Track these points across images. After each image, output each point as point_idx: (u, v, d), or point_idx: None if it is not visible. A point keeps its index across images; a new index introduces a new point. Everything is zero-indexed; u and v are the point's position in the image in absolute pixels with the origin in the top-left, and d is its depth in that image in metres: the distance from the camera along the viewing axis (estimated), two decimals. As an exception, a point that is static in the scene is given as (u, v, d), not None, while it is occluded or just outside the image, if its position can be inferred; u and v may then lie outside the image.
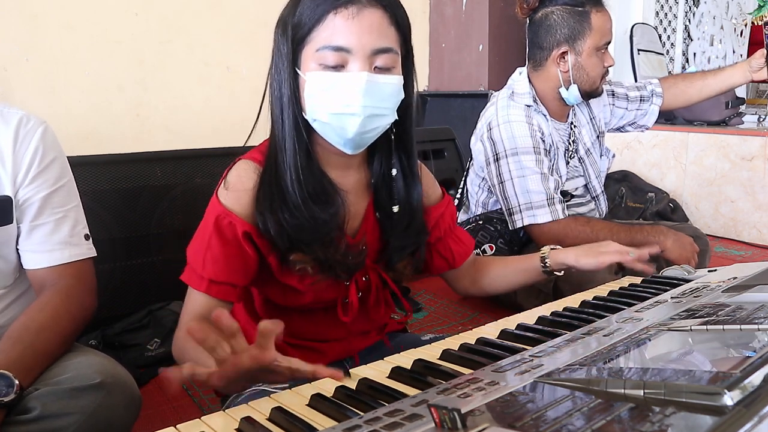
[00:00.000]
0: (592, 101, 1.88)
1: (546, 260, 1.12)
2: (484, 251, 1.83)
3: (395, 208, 0.97)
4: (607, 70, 1.74)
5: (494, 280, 1.18)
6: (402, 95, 0.90)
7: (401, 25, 0.88)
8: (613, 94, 1.95)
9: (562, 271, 1.13)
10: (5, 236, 0.99)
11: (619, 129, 2.02)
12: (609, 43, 1.71)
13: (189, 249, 0.92)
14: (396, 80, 0.87)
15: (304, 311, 1.01)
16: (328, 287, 0.96)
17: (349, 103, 0.84)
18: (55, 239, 1.02)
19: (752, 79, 1.79)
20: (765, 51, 1.72)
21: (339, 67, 0.84)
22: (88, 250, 1.07)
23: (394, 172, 0.97)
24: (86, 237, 1.08)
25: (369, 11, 0.83)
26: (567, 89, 1.73)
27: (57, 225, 1.03)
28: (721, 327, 0.68)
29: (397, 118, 0.91)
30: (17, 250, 1.02)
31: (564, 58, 1.70)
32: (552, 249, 1.13)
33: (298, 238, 0.89)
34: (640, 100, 1.94)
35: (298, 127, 0.89)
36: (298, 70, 0.87)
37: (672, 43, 4.24)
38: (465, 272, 1.18)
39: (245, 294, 1.04)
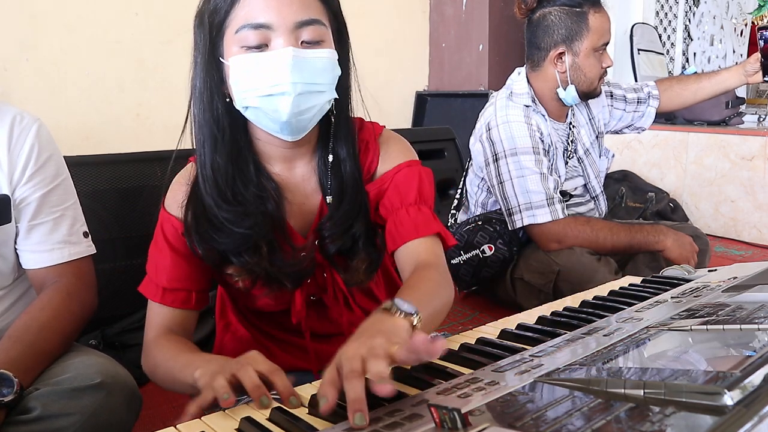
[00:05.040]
0: (591, 102, 1.88)
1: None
2: (483, 251, 1.83)
3: (328, 199, 0.91)
4: (605, 71, 1.74)
5: None
6: (338, 71, 0.85)
7: None
8: (612, 96, 1.95)
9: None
10: (4, 236, 0.99)
11: (617, 132, 2.03)
12: (607, 43, 1.71)
13: (148, 259, 0.91)
14: (327, 53, 0.82)
15: (270, 313, 0.98)
16: (275, 292, 0.91)
17: (277, 82, 0.79)
18: (54, 238, 1.02)
19: (747, 82, 1.80)
20: (759, 55, 1.73)
21: (263, 46, 0.79)
22: (88, 248, 1.07)
23: (330, 158, 0.90)
24: (85, 234, 1.07)
25: None
26: (564, 90, 1.73)
27: (55, 224, 1.02)
28: (721, 327, 0.68)
29: (336, 96, 0.86)
30: (15, 249, 1.02)
31: (561, 58, 1.70)
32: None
33: (225, 251, 0.86)
34: (638, 101, 1.95)
35: (218, 122, 0.84)
36: (221, 60, 0.83)
37: (672, 43, 4.24)
38: (400, 267, 0.93)
39: (230, 291, 1.01)
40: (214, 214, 0.85)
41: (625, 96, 1.95)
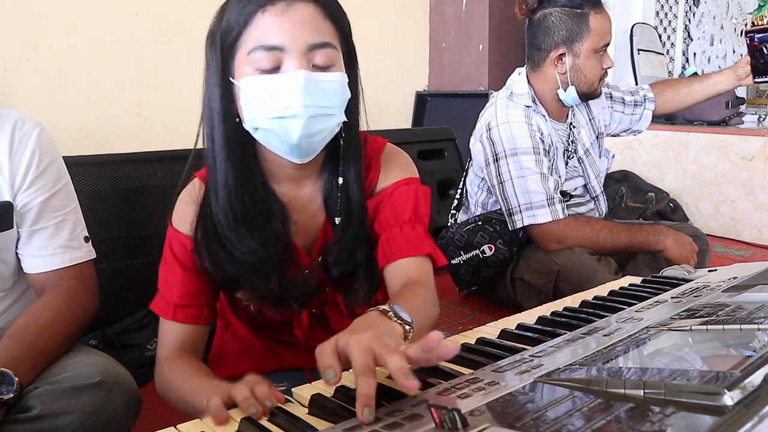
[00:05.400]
0: (591, 102, 1.88)
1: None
2: (483, 252, 1.83)
3: (337, 220, 0.91)
4: (606, 72, 1.74)
5: None
6: (348, 94, 0.85)
7: (338, 20, 0.83)
8: (611, 97, 1.96)
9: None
10: (6, 241, 0.99)
11: (615, 135, 2.04)
12: (608, 44, 1.71)
13: (158, 277, 0.91)
14: (338, 77, 0.82)
15: (271, 325, 0.99)
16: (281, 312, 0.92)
17: (288, 104, 0.79)
18: (55, 243, 1.02)
19: (739, 84, 1.82)
20: (749, 58, 1.75)
21: (274, 69, 0.79)
22: (89, 253, 1.07)
23: (340, 180, 0.91)
24: (86, 239, 1.07)
25: (299, 5, 0.78)
26: (565, 91, 1.73)
27: (57, 229, 1.02)
28: (721, 327, 0.68)
29: (345, 119, 0.86)
30: (17, 253, 1.02)
31: (561, 59, 1.70)
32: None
33: (236, 275, 0.87)
34: (635, 104, 1.97)
35: (230, 142, 0.84)
36: (232, 80, 0.82)
37: (672, 43, 4.24)
38: (387, 283, 0.93)
39: (231, 301, 1.02)
40: (227, 237, 0.85)
41: (623, 98, 1.96)
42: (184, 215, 0.89)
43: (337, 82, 0.82)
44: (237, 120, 0.84)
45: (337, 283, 0.94)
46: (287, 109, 0.79)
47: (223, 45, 0.81)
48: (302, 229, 0.92)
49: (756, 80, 1.76)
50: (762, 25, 4.20)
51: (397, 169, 0.96)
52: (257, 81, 0.80)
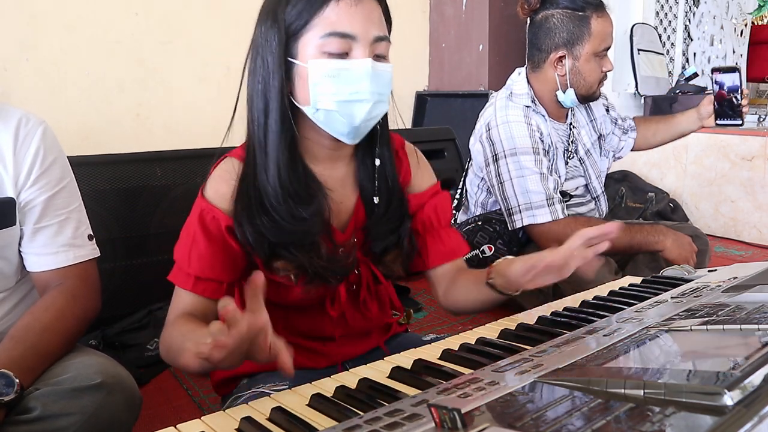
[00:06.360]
0: (592, 104, 1.89)
1: (491, 274, 0.95)
2: (483, 252, 1.83)
3: (376, 199, 0.97)
4: (605, 75, 1.74)
5: (457, 292, 1.04)
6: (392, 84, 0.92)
7: (389, 18, 0.91)
8: (608, 111, 1.97)
9: (518, 291, 0.93)
10: (8, 238, 0.99)
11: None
12: (608, 48, 1.71)
13: (176, 248, 0.92)
14: (390, 68, 0.89)
15: (298, 308, 1.00)
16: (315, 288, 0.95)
17: (357, 89, 0.85)
18: (59, 241, 1.02)
19: (702, 125, 1.85)
20: (712, 98, 1.76)
21: (343, 54, 0.85)
22: (92, 251, 1.07)
23: (377, 162, 0.97)
24: (90, 237, 1.07)
25: (368, 0, 0.86)
26: (564, 93, 1.73)
27: (60, 227, 1.02)
28: (721, 327, 0.68)
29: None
30: (20, 251, 1.02)
31: (561, 62, 1.70)
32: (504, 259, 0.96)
33: (278, 243, 0.89)
34: (623, 131, 2.01)
35: (286, 119, 0.88)
36: (293, 60, 0.87)
37: (672, 43, 4.24)
38: (441, 279, 1.06)
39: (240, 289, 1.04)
40: (275, 208, 0.88)
41: (616, 120, 1.99)
42: (221, 191, 0.91)
43: (390, 72, 0.90)
44: (289, 99, 0.89)
45: (374, 257, 0.99)
46: (357, 94, 0.86)
47: (289, 26, 0.86)
48: (336, 208, 0.95)
49: (718, 122, 1.78)
50: (762, 25, 4.21)
51: (430, 172, 1.09)
52: (329, 64, 0.85)
